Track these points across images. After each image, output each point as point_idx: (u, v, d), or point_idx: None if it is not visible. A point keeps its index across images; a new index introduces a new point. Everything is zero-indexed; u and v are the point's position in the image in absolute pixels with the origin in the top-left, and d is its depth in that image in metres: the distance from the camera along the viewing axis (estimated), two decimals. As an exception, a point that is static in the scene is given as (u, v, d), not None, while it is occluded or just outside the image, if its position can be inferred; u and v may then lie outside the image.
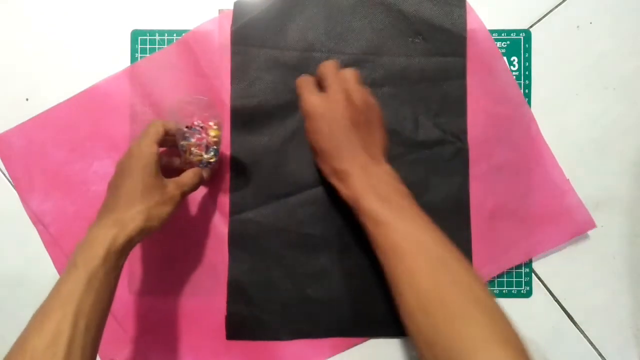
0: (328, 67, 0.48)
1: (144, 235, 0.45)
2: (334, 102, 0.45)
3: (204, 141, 0.49)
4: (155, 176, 0.46)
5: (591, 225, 0.55)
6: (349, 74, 0.47)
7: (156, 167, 0.46)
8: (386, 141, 0.48)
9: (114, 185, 0.47)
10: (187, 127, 0.49)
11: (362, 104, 0.46)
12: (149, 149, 0.46)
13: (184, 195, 0.48)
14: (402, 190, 0.45)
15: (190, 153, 0.49)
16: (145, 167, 0.45)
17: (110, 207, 0.45)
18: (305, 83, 0.48)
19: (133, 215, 0.44)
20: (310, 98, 0.46)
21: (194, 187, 0.49)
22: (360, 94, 0.46)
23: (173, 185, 0.47)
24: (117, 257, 0.43)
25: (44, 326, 0.39)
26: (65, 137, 0.55)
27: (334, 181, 0.46)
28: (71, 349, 0.38)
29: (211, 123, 0.50)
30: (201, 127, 0.49)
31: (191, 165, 0.50)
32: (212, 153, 0.50)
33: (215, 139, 0.50)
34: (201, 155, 0.49)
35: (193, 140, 0.49)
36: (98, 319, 0.41)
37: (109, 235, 0.42)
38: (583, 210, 0.55)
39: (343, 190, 0.45)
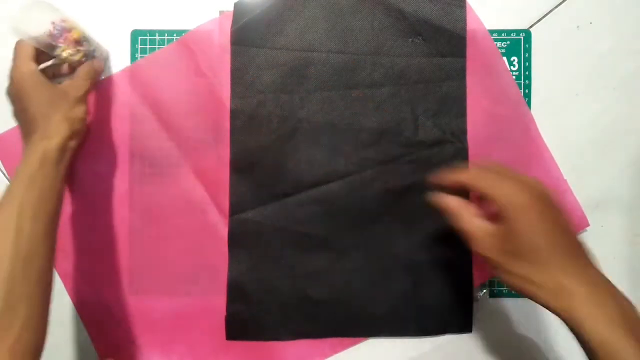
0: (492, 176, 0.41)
1: (76, 140, 0.48)
2: (540, 191, 0.39)
3: (72, 37, 0.49)
4: (50, 87, 0.48)
5: (585, 224, 0.55)
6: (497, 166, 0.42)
7: (44, 79, 0.48)
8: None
9: (20, 113, 0.49)
10: (48, 35, 0.49)
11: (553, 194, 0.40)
12: (28, 67, 0.47)
13: (88, 90, 0.50)
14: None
15: (70, 54, 0.50)
16: (35, 85, 0.47)
17: (31, 131, 0.47)
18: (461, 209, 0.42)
19: (54, 127, 0.46)
20: (519, 180, 0.39)
21: (93, 78, 0.51)
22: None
23: (72, 86, 0.50)
24: (53, 164, 0.45)
25: None
26: (65, 137, 0.55)
27: (546, 296, 0.37)
28: (19, 237, 0.40)
29: (64, 25, 0.49)
30: (61, 29, 0.49)
31: (79, 64, 0.51)
32: (86, 43, 0.51)
33: (79, 34, 0.50)
34: (78, 50, 0.50)
35: (62, 42, 0.49)
36: (45, 212, 0.43)
37: (39, 148, 0.45)
38: (579, 210, 0.55)
39: (574, 315, 0.35)
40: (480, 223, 0.41)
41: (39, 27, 0.49)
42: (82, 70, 0.50)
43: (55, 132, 0.46)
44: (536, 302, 0.38)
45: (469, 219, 0.41)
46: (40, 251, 0.41)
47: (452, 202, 0.43)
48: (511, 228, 0.38)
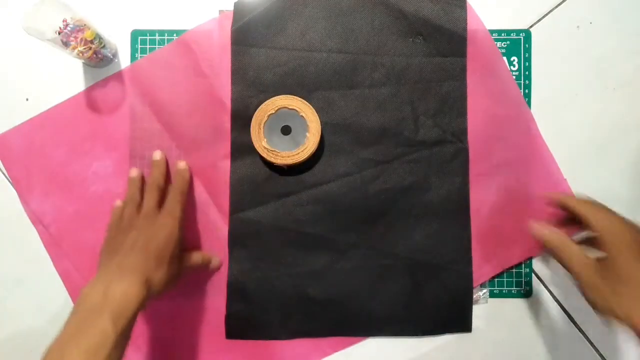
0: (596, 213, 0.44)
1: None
2: (630, 223, 0.43)
3: (84, 37, 0.49)
4: (179, 247, 0.49)
5: None
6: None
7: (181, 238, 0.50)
8: None
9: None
10: (58, 33, 0.49)
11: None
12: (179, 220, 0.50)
13: (186, 272, 0.51)
14: None
15: (81, 52, 0.50)
16: (178, 238, 0.49)
17: (141, 263, 0.46)
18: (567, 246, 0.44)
19: (160, 278, 0.46)
20: (610, 218, 0.43)
21: (196, 268, 0.52)
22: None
23: (185, 259, 0.50)
24: (136, 317, 0.43)
25: None
26: (65, 137, 0.55)
27: (625, 315, 0.41)
28: None
29: (77, 25, 0.50)
30: (73, 27, 0.49)
31: (90, 60, 0.52)
32: (97, 41, 0.51)
33: (92, 35, 0.50)
34: (90, 48, 0.50)
35: (73, 40, 0.49)
36: None
37: (140, 297, 0.43)
38: None
39: None
40: (583, 257, 0.43)
41: (50, 25, 0.49)
42: (199, 255, 0.52)
43: (156, 284, 0.45)
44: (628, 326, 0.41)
45: (571, 255, 0.43)
46: None
47: (554, 238, 0.45)
48: (610, 253, 0.42)
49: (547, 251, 0.46)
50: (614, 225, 0.43)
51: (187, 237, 0.55)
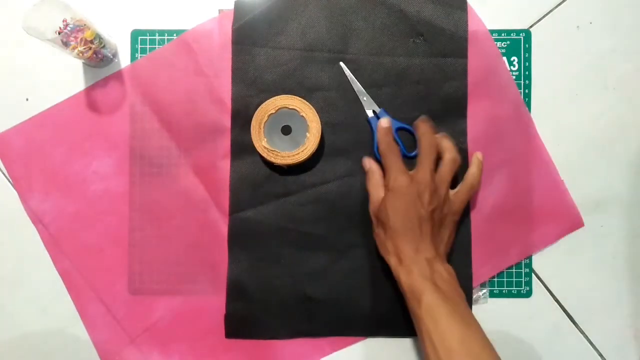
0: (427, 143, 0.51)
1: None
2: (421, 185, 0.49)
3: (84, 37, 0.49)
4: None
5: (580, 224, 0.56)
6: (449, 159, 0.51)
7: None
8: (452, 242, 0.52)
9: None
10: (58, 33, 0.49)
11: (445, 198, 0.50)
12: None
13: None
14: (460, 292, 0.48)
15: (81, 52, 0.50)
16: None
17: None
18: (394, 154, 0.51)
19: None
20: (400, 176, 0.49)
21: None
22: (446, 187, 0.50)
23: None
24: None
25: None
26: (65, 136, 0.55)
27: (393, 261, 0.49)
28: None
29: (78, 25, 0.50)
30: (73, 27, 0.49)
31: (90, 60, 0.52)
32: (97, 41, 0.51)
33: (92, 35, 0.50)
34: (90, 47, 0.50)
35: (73, 40, 0.49)
36: None
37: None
38: (574, 210, 0.56)
39: (402, 275, 0.47)
40: (380, 192, 0.51)
41: (50, 25, 0.49)
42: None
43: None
44: (395, 274, 0.48)
45: (374, 184, 0.51)
46: None
47: (372, 166, 0.53)
48: (384, 202, 0.49)
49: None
50: (396, 180, 0.50)
51: (187, 237, 0.55)
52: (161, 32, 0.56)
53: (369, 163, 0.53)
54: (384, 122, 0.52)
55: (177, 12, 0.56)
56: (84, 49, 0.50)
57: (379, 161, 0.54)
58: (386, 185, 0.50)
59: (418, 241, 0.48)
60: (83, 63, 0.56)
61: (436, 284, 0.46)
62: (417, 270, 0.46)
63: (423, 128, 0.52)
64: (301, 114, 0.52)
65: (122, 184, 0.55)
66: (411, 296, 0.46)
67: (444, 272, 0.48)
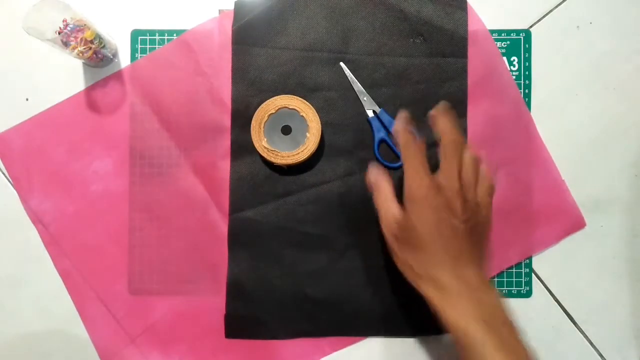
0: (450, 140, 0.42)
1: None
2: (449, 191, 0.41)
3: (84, 37, 0.49)
4: None
5: (582, 225, 0.55)
6: (470, 159, 0.42)
7: None
8: (490, 255, 0.44)
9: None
10: (58, 33, 0.49)
11: (475, 204, 0.42)
12: None
13: None
14: (511, 324, 0.41)
15: (81, 52, 0.50)
16: None
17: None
18: (417, 156, 0.42)
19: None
20: (425, 182, 0.41)
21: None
22: (474, 192, 0.42)
23: None
24: None
25: None
26: (65, 136, 0.55)
27: (431, 292, 0.41)
28: None
29: (78, 25, 0.50)
30: (73, 27, 0.49)
31: (90, 60, 0.52)
32: (97, 41, 0.51)
33: (92, 35, 0.50)
34: (90, 48, 0.50)
35: (73, 40, 0.49)
36: None
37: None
38: (576, 210, 0.55)
39: (446, 311, 0.40)
40: (392, 205, 0.43)
41: (50, 25, 0.49)
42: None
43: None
44: (433, 306, 0.41)
45: (385, 198, 0.44)
46: None
47: (378, 179, 0.46)
48: (406, 217, 0.42)
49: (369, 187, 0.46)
50: (418, 189, 0.42)
51: (187, 237, 0.55)
52: (161, 32, 0.56)
53: (374, 174, 0.46)
54: (401, 118, 0.44)
55: (177, 12, 0.56)
56: (84, 49, 0.50)
57: (381, 162, 0.54)
58: (407, 196, 0.42)
59: (457, 263, 0.40)
60: (83, 63, 0.56)
61: (485, 321, 0.39)
62: (463, 305, 0.39)
63: (443, 123, 0.43)
64: (301, 114, 0.52)
65: (122, 184, 0.55)
66: (456, 333, 0.40)
67: (493, 299, 0.41)
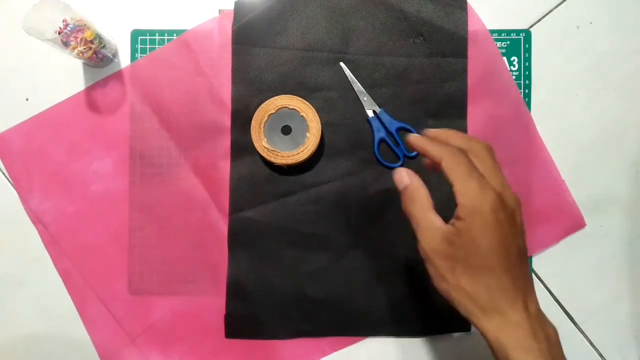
0: (481, 147, 0.37)
1: None
2: (513, 203, 0.36)
3: (84, 37, 0.49)
4: None
5: (581, 225, 0.55)
6: (498, 177, 0.37)
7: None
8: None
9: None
10: (58, 33, 0.49)
11: (520, 219, 0.37)
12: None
13: None
14: (563, 355, 0.37)
15: (81, 52, 0.50)
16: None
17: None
18: (466, 162, 0.36)
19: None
20: (486, 188, 0.35)
21: None
22: (517, 205, 0.36)
23: None
24: None
25: None
26: (65, 136, 0.55)
27: (488, 324, 0.35)
28: None
29: (78, 25, 0.50)
30: (73, 27, 0.49)
31: (90, 60, 0.52)
32: (97, 41, 0.51)
33: (92, 35, 0.50)
34: (90, 48, 0.50)
35: (73, 40, 0.49)
36: None
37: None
38: (576, 210, 0.55)
39: (501, 339, 0.34)
40: (434, 218, 0.37)
41: (50, 25, 0.49)
42: None
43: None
44: (462, 313, 0.36)
45: (424, 209, 0.37)
46: None
47: (412, 183, 0.38)
48: (463, 231, 0.35)
49: (399, 192, 0.39)
50: (481, 201, 0.35)
51: (187, 237, 0.55)
52: (161, 32, 0.56)
53: (406, 177, 0.39)
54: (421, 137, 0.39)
55: (177, 12, 0.56)
56: (84, 49, 0.50)
57: (381, 162, 0.54)
58: (468, 207, 0.35)
59: (525, 289, 0.35)
60: (83, 63, 0.56)
61: (544, 355, 0.35)
62: (530, 342, 0.34)
63: (451, 133, 0.39)
64: (301, 114, 0.52)
65: (122, 184, 0.55)
66: None
67: (553, 333, 0.37)
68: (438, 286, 0.37)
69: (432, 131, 0.40)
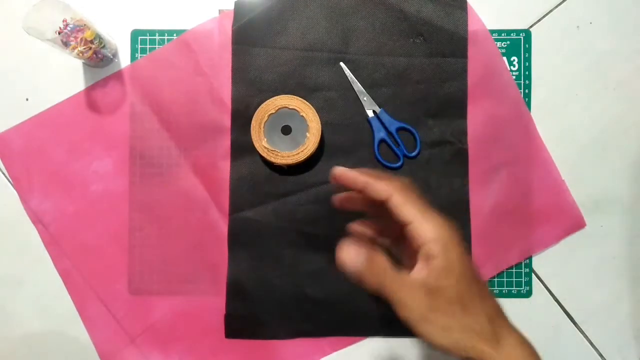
0: (401, 185, 0.35)
1: None
2: (459, 237, 0.33)
3: (84, 37, 0.49)
4: None
5: (582, 225, 0.55)
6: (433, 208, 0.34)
7: None
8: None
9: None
10: (58, 33, 0.49)
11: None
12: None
13: None
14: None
15: (81, 52, 0.50)
16: None
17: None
18: (412, 198, 0.34)
19: None
20: (435, 215, 0.33)
21: None
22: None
23: None
24: None
25: None
26: (65, 136, 0.55)
27: (481, 349, 0.32)
28: None
29: (78, 25, 0.50)
30: (73, 27, 0.49)
31: (90, 60, 0.52)
32: (97, 41, 0.51)
33: (92, 35, 0.50)
34: (90, 48, 0.50)
35: (73, 40, 0.49)
36: None
37: None
38: (576, 210, 0.55)
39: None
40: (405, 276, 0.33)
41: (50, 25, 0.49)
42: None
43: None
44: (474, 355, 0.33)
45: (386, 275, 0.34)
46: None
47: (367, 256, 0.36)
48: (444, 269, 0.32)
49: (342, 265, 0.37)
50: (445, 231, 0.33)
51: (187, 237, 0.55)
52: (161, 32, 0.56)
53: (348, 255, 0.37)
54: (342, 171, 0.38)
55: (177, 12, 0.56)
56: (84, 49, 0.50)
57: (381, 162, 0.54)
58: (435, 240, 0.33)
59: (494, 305, 0.35)
60: (83, 63, 0.56)
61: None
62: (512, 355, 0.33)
63: (371, 177, 0.37)
64: (301, 114, 0.52)
65: (122, 184, 0.55)
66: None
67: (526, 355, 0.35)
68: (442, 341, 0.33)
69: (345, 170, 0.37)
